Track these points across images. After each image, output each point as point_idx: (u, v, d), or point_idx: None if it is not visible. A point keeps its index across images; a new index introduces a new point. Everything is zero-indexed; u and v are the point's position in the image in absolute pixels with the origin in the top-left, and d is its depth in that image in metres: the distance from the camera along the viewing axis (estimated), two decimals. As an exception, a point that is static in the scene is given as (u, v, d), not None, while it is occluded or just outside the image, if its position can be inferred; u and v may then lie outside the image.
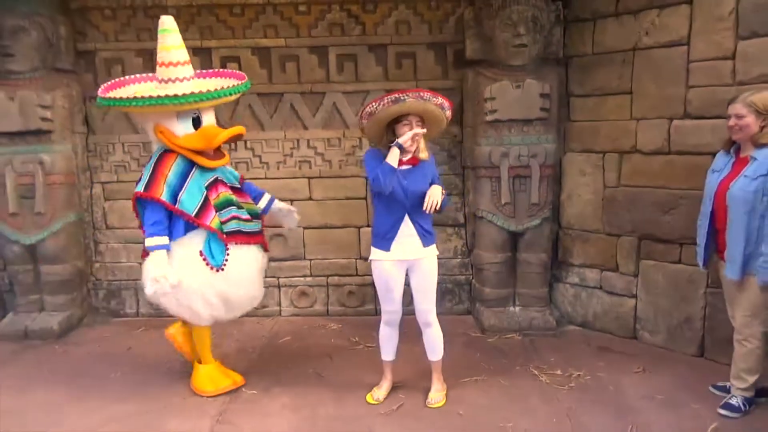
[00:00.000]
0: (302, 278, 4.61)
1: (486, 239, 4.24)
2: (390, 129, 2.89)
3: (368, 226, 4.50)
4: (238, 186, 3.25)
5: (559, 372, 3.45)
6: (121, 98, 2.91)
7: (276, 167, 4.45)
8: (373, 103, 2.78)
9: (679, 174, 3.61)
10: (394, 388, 3.24)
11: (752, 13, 3.20)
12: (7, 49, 3.96)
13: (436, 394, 3.12)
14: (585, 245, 4.21)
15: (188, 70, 2.97)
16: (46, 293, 4.30)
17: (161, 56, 2.93)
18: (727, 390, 3.06)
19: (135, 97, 2.86)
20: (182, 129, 2.95)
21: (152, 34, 4.28)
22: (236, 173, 3.33)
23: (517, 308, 4.27)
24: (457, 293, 4.61)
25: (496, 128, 4.05)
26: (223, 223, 3.01)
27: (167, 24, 2.91)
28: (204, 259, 2.96)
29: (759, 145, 2.75)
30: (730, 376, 3.00)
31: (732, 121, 2.81)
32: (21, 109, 4.00)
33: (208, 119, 3.04)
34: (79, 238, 4.44)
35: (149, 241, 2.94)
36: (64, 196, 4.25)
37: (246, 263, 3.10)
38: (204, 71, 3.24)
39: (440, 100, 2.84)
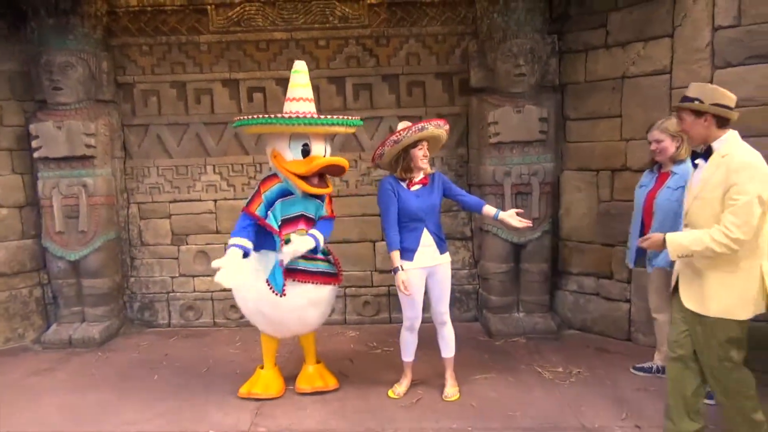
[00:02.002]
0: (322, 289, 4.96)
1: (491, 251, 4.62)
2: (403, 152, 3.27)
3: (382, 240, 4.88)
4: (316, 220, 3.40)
5: (560, 369, 3.80)
6: (245, 118, 3.21)
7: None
8: (402, 132, 3.19)
9: (665, 189, 4.00)
10: (413, 385, 3.59)
11: (726, 46, 3.62)
12: (57, 83, 4.39)
13: (452, 389, 3.48)
14: (582, 255, 4.58)
15: (311, 107, 3.26)
16: (87, 305, 4.68)
17: (290, 92, 3.26)
18: (647, 370, 3.64)
19: (252, 117, 3.16)
20: (291, 155, 3.21)
21: (185, 67, 4.77)
22: (324, 212, 3.43)
23: (521, 314, 4.63)
24: (465, 302, 4.97)
25: (499, 149, 4.45)
26: (309, 260, 3.28)
27: (299, 67, 3.27)
28: (267, 283, 3.24)
29: (677, 161, 3.28)
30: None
31: (653, 146, 3.34)
32: (68, 137, 4.41)
33: (317, 150, 3.24)
34: (117, 255, 4.83)
35: (230, 240, 3.23)
36: (105, 216, 4.64)
37: (298, 297, 3.29)
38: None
39: (446, 126, 3.36)
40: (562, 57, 4.47)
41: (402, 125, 3.26)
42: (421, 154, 3.25)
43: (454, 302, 4.85)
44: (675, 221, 3.12)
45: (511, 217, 3.30)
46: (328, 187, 3.33)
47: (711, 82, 3.69)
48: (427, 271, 3.34)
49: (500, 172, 4.46)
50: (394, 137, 3.21)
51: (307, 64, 4.66)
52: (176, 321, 4.97)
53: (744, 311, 2.39)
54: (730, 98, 2.53)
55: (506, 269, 4.60)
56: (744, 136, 3.53)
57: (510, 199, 4.46)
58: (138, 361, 4.24)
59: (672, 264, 3.06)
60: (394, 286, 3.50)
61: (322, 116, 3.16)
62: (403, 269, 3.25)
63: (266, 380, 3.55)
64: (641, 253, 3.47)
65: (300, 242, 3.19)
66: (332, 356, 4.18)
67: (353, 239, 4.93)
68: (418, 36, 4.70)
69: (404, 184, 3.30)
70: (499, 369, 3.88)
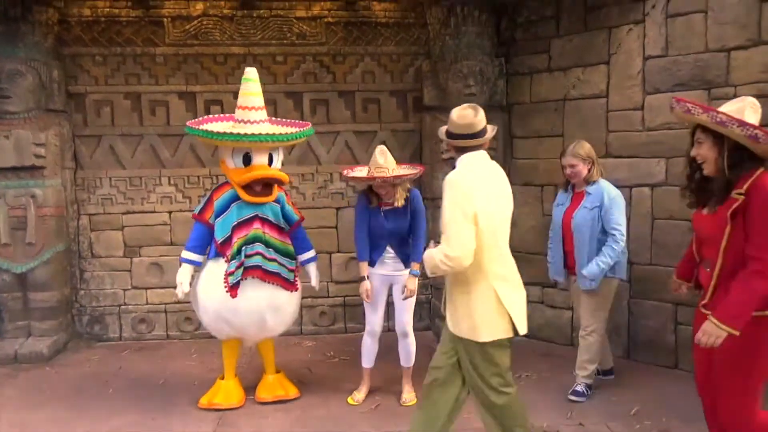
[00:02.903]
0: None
1: (444, 261, 4.81)
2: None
3: (338, 252, 5.00)
4: (282, 226, 3.50)
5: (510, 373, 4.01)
6: (202, 130, 3.25)
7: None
8: (360, 172, 3.50)
9: (603, 203, 4.32)
10: (371, 392, 3.72)
11: (655, 74, 3.98)
12: (4, 91, 4.28)
13: (409, 395, 3.63)
14: (528, 266, 4.81)
15: (262, 115, 3.34)
16: (33, 319, 4.54)
17: (242, 100, 3.33)
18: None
19: (211, 131, 3.22)
20: (233, 163, 3.31)
21: (140, 78, 4.76)
22: (294, 216, 3.57)
23: (472, 322, 4.83)
24: (417, 311, 5.10)
25: (451, 165, 4.65)
26: (247, 256, 3.32)
27: (250, 74, 3.35)
28: (226, 280, 3.30)
29: (590, 182, 3.53)
30: (576, 367, 3.67)
31: (568, 171, 3.56)
32: (16, 146, 4.31)
33: (260, 159, 3.31)
34: (66, 267, 4.72)
35: (182, 254, 3.37)
36: (54, 228, 4.54)
37: (256, 298, 3.35)
38: (275, 119, 3.61)
39: (408, 175, 3.45)
40: (509, 79, 4.76)
41: (375, 160, 3.38)
42: (383, 193, 3.41)
43: (407, 311, 5.04)
44: (593, 239, 3.45)
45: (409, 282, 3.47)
46: (270, 195, 3.40)
47: (642, 106, 4.06)
48: (389, 279, 3.52)
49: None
50: (353, 173, 3.51)
51: (264, 78, 4.80)
52: (128, 334, 4.89)
53: (485, 334, 2.36)
54: (456, 125, 2.47)
55: (457, 279, 4.80)
56: (671, 157, 3.92)
57: (461, 212, 4.67)
58: (91, 375, 4.16)
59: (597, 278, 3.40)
60: (350, 296, 3.69)
61: (267, 132, 3.24)
62: (367, 278, 3.42)
63: (227, 390, 3.58)
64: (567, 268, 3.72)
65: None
66: (291, 366, 4.24)
67: (309, 250, 5.01)
68: (373, 55, 4.88)
69: (373, 204, 3.47)
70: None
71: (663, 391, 3.67)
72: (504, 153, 4.78)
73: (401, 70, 4.93)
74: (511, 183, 4.79)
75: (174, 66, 4.72)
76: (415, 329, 5.07)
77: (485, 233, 2.32)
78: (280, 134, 3.33)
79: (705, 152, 2.20)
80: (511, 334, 2.43)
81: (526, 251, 4.83)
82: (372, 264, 3.51)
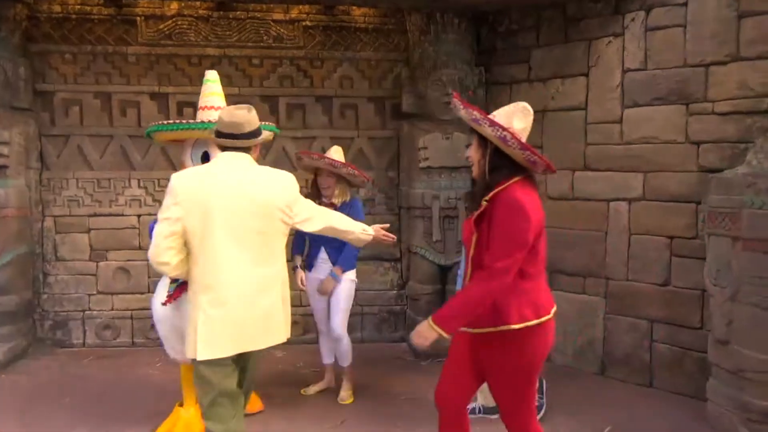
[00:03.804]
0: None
1: (419, 272, 4.72)
2: (316, 176, 3.63)
3: (312, 260, 4.90)
4: None
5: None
6: (155, 124, 3.14)
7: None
8: (304, 153, 3.65)
9: (580, 216, 4.26)
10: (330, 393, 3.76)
11: (634, 87, 3.94)
12: (-34, 88, 4.13)
13: (345, 393, 3.72)
14: (505, 278, 4.76)
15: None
16: (-9, 324, 4.36)
17: (203, 101, 3.18)
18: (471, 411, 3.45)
19: (163, 123, 3.11)
20: (191, 162, 3.12)
21: (110, 77, 4.63)
22: None
23: (449, 335, 4.73)
24: (393, 322, 5.04)
25: (429, 174, 4.59)
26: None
27: (211, 76, 3.23)
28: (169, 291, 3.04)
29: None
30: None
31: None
32: (-23, 144, 4.15)
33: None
34: (28, 270, 4.56)
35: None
36: (16, 229, 4.37)
37: None
38: None
39: (350, 171, 3.56)
40: (489, 88, 4.70)
41: (329, 153, 3.58)
42: (321, 182, 3.55)
43: (383, 323, 4.97)
44: None
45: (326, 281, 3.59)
46: None
47: (621, 119, 4.00)
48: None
49: (429, 196, 4.59)
50: (301, 153, 3.67)
51: (240, 81, 4.75)
52: (92, 341, 4.74)
53: (190, 349, 2.20)
54: (223, 123, 2.30)
55: (432, 290, 4.71)
56: (649, 171, 3.87)
57: (438, 222, 4.59)
58: (47, 383, 4.00)
59: None
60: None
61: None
62: (300, 267, 3.68)
63: (187, 423, 3.20)
64: None
65: None
66: (258, 377, 4.11)
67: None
68: (351, 60, 4.80)
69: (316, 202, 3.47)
70: (425, 389, 3.95)
71: (637, 410, 3.59)
72: (482, 163, 4.70)
73: (380, 76, 4.85)
74: (489, 194, 4.85)
75: (146, 66, 4.60)
76: (388, 340, 5.04)
77: (193, 238, 2.16)
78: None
79: (472, 153, 2.16)
80: (226, 354, 2.20)
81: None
82: (308, 268, 3.65)
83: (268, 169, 2.37)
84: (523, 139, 2.05)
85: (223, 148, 2.31)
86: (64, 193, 4.67)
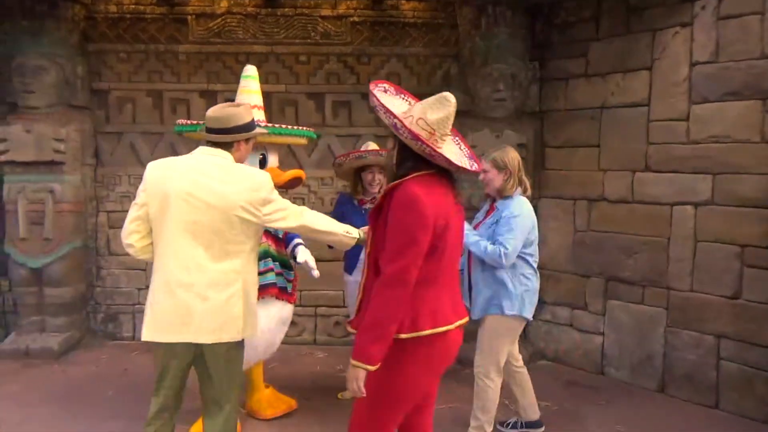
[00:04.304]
0: (292, 308, 4.87)
1: (465, 276, 4.54)
2: (358, 174, 3.45)
3: (356, 260, 4.80)
4: (279, 236, 3.26)
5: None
6: (191, 123, 3.08)
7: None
8: (341, 157, 3.41)
9: (640, 221, 3.96)
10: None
11: (703, 82, 3.61)
12: (28, 86, 4.29)
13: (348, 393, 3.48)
14: (557, 284, 4.52)
15: (261, 115, 3.14)
16: (47, 314, 4.53)
17: (241, 98, 3.12)
18: (514, 425, 3.28)
19: (184, 123, 3.05)
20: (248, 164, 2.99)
21: (162, 76, 4.71)
22: None
23: (494, 342, 4.53)
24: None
25: (479, 173, 4.39)
26: (260, 274, 2.89)
27: (250, 72, 3.16)
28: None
29: (503, 197, 2.95)
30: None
31: (481, 176, 3.01)
32: (36, 141, 4.30)
33: (273, 161, 3.16)
34: (83, 264, 4.70)
35: None
36: (72, 223, 4.52)
37: (267, 317, 3.06)
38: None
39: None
40: (543, 84, 4.45)
41: (366, 146, 3.41)
42: (369, 178, 3.37)
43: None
44: (484, 263, 2.90)
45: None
46: None
47: (688, 116, 3.69)
48: None
49: (477, 197, 4.39)
50: (338, 159, 3.38)
51: (287, 78, 4.71)
52: (141, 334, 4.82)
53: (144, 330, 2.27)
54: (208, 119, 2.33)
55: (479, 295, 4.51)
56: (719, 173, 3.55)
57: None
58: (96, 374, 4.10)
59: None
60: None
61: (281, 126, 3.10)
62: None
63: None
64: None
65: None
66: (295, 378, 4.08)
67: (326, 257, 4.79)
68: (399, 56, 4.67)
69: (356, 201, 3.43)
70: (467, 398, 3.77)
71: (699, 434, 3.29)
72: (535, 162, 4.47)
73: (429, 72, 4.70)
74: (541, 195, 4.63)
75: (196, 64, 4.65)
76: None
77: (153, 225, 2.25)
78: (301, 129, 3.16)
79: (390, 145, 2.02)
80: (166, 339, 2.22)
81: (555, 269, 4.52)
82: (349, 270, 3.47)
83: (241, 168, 2.33)
84: (442, 131, 1.87)
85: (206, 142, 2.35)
86: (117, 189, 4.79)
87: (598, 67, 4.13)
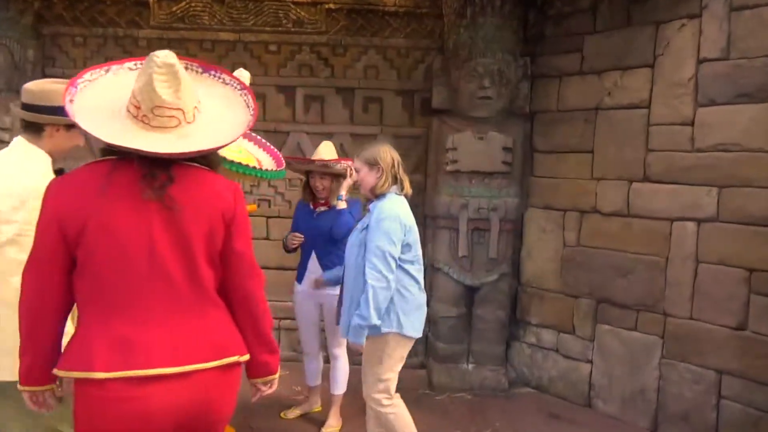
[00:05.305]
0: (255, 319, 4.48)
1: (441, 292, 4.11)
2: (308, 175, 3.25)
3: (325, 269, 4.40)
4: None
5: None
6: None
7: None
8: (288, 158, 3.21)
9: (637, 237, 3.53)
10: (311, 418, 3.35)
11: (711, 82, 3.17)
12: (-30, 70, 3.95)
13: (335, 420, 3.29)
14: (542, 304, 4.08)
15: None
16: None
17: None
18: None
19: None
20: None
21: (121, 63, 4.32)
22: None
23: (471, 366, 4.10)
24: (412, 346, 4.44)
25: (457, 179, 3.98)
26: None
27: (242, 77, 2.73)
28: None
29: (377, 196, 2.57)
30: None
31: (354, 176, 2.74)
32: (-21, 129, 3.96)
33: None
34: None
35: None
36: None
37: None
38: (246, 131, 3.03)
39: (345, 165, 3.11)
40: (534, 82, 4.02)
41: (317, 152, 3.24)
42: (314, 183, 3.18)
43: (401, 344, 4.38)
44: (359, 273, 2.47)
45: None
46: None
47: (693, 121, 3.24)
48: (317, 296, 3.18)
49: (456, 204, 3.98)
50: (286, 159, 3.07)
51: (255, 69, 4.29)
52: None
53: None
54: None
55: (457, 314, 4.09)
56: (726, 186, 3.11)
57: (466, 235, 3.97)
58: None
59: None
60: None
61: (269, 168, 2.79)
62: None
63: None
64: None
65: None
66: (244, 399, 3.67)
67: (292, 266, 4.38)
68: (378, 47, 4.26)
69: (310, 205, 3.24)
70: (433, 427, 3.37)
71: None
72: (522, 169, 4.05)
73: (410, 66, 4.28)
74: (530, 205, 4.19)
75: (157, 50, 4.27)
76: (407, 366, 4.41)
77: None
78: (261, 170, 2.73)
79: None
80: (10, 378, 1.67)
81: (540, 287, 4.09)
82: (299, 279, 3.30)
83: (18, 163, 1.93)
84: (148, 104, 1.43)
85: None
86: (69, 183, 4.43)
87: (594, 64, 3.70)
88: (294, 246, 3.23)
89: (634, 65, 3.49)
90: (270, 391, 1.73)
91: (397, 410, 2.57)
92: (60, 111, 1.85)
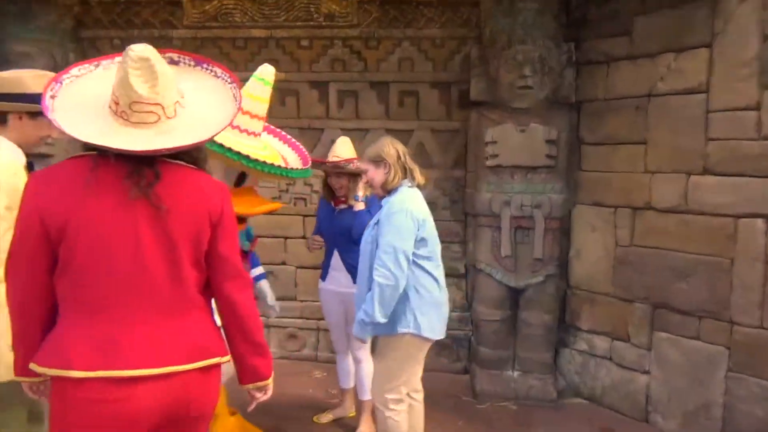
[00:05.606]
0: (292, 320, 4.40)
1: (483, 293, 3.89)
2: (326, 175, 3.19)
3: (361, 270, 4.26)
4: (246, 251, 2.80)
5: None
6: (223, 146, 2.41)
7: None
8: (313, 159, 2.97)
9: (697, 236, 3.19)
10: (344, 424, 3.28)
11: (780, 59, 2.81)
12: (13, 74, 4.05)
13: (366, 427, 3.11)
14: (594, 309, 3.78)
15: (260, 126, 2.61)
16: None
17: (245, 102, 2.59)
18: None
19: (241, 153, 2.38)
20: (223, 180, 2.55)
21: (157, 64, 4.33)
22: (252, 233, 2.94)
23: (516, 373, 3.86)
24: (455, 350, 4.25)
25: (498, 174, 3.75)
26: None
27: (266, 75, 2.55)
28: None
29: (388, 192, 2.46)
30: None
31: (364, 178, 2.62)
32: (23, 133, 4.05)
33: (251, 179, 2.69)
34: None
35: None
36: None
37: None
38: (270, 126, 2.84)
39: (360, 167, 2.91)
40: (580, 69, 3.73)
41: (333, 151, 3.13)
42: (333, 182, 3.11)
43: (443, 349, 4.20)
44: (371, 271, 2.37)
45: None
46: (244, 222, 2.71)
47: (759, 105, 2.88)
48: (340, 295, 3.07)
49: (498, 201, 3.74)
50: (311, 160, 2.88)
51: (287, 66, 4.22)
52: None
53: None
54: None
55: (501, 317, 3.85)
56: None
57: (508, 233, 3.73)
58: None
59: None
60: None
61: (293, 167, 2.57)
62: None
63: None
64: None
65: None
66: (281, 399, 3.57)
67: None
68: (413, 39, 4.08)
69: (332, 203, 3.18)
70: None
71: None
72: (568, 162, 3.76)
73: (446, 57, 4.08)
74: (578, 201, 3.90)
75: (191, 50, 4.20)
76: (446, 370, 4.25)
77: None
78: (287, 168, 2.60)
79: None
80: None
81: (591, 290, 3.79)
82: (323, 276, 3.23)
83: None
84: (125, 99, 1.38)
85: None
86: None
87: (645, 47, 3.37)
88: (315, 249, 3.25)
89: (690, 45, 3.14)
90: (265, 397, 1.65)
91: (400, 418, 2.44)
92: (19, 98, 1.82)
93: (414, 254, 2.32)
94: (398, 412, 2.43)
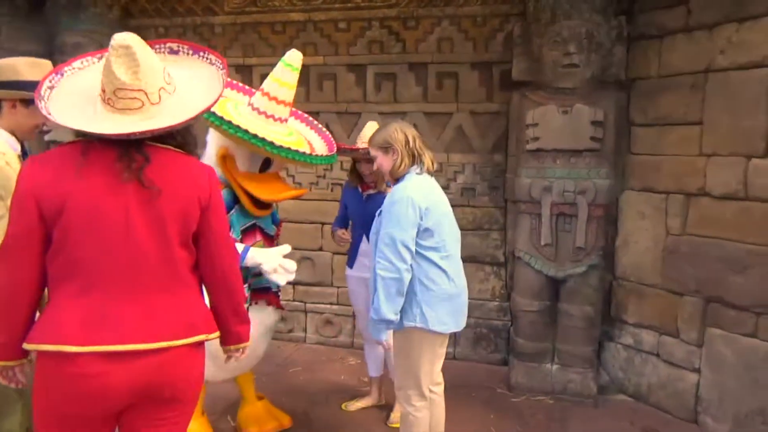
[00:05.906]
0: (328, 306, 4.40)
1: (522, 283, 3.73)
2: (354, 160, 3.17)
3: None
4: (272, 235, 2.83)
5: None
6: (226, 120, 2.40)
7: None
8: (339, 145, 3.02)
9: (756, 225, 2.91)
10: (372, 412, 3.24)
11: None
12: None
13: (397, 414, 2.95)
14: (641, 301, 3.55)
15: (287, 112, 2.67)
16: None
17: (272, 87, 2.59)
18: None
19: (245, 130, 2.39)
20: (248, 166, 2.58)
21: (200, 50, 4.39)
22: (278, 217, 2.93)
23: (555, 367, 3.69)
24: (493, 340, 4.12)
25: (539, 158, 3.56)
26: (254, 276, 2.62)
27: (294, 60, 2.61)
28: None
29: (397, 180, 2.35)
30: None
31: (374, 166, 2.49)
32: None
33: (277, 167, 2.75)
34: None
35: None
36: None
37: (255, 325, 2.41)
38: (297, 112, 2.94)
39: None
40: (631, 45, 3.47)
41: (361, 137, 3.12)
42: (362, 169, 3.08)
43: (480, 339, 4.11)
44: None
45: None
46: (271, 207, 2.74)
47: (832, 78, 2.57)
48: (368, 282, 2.87)
49: (538, 187, 3.56)
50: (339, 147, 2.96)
51: (325, 49, 4.18)
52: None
53: None
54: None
55: (539, 308, 3.68)
56: None
57: (549, 221, 3.55)
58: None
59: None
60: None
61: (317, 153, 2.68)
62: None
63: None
64: None
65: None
66: (311, 385, 3.62)
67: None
68: (452, 17, 3.92)
69: (359, 188, 3.13)
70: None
71: None
72: (616, 146, 3.53)
73: (487, 36, 3.90)
74: (627, 187, 3.66)
75: (232, 36, 4.29)
76: (484, 360, 4.12)
77: None
78: (311, 155, 2.62)
79: None
80: None
81: (638, 281, 3.56)
82: (350, 263, 3.21)
83: None
84: (110, 86, 1.44)
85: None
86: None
87: (703, 18, 3.08)
88: (343, 244, 3.26)
89: (755, 14, 2.85)
90: (243, 356, 1.78)
91: (420, 415, 2.35)
92: (13, 86, 1.87)
93: (419, 245, 2.21)
94: (418, 408, 2.35)
